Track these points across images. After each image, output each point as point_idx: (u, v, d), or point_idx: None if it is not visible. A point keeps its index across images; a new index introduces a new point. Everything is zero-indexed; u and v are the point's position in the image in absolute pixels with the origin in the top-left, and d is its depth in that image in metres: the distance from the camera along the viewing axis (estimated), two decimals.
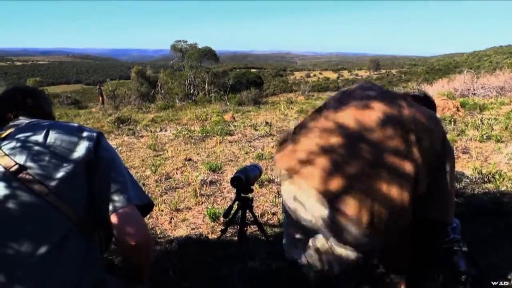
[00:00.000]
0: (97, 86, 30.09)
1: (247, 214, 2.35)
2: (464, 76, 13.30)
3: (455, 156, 4.58)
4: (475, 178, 3.64)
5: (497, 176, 3.59)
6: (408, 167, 1.52)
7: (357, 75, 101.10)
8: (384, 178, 1.49)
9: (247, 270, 2.21)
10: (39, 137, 1.25)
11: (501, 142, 5.19)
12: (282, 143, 1.83)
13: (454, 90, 11.99)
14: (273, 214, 3.24)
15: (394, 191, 1.48)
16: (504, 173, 3.70)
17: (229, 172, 4.37)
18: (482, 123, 6.44)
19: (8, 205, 1.13)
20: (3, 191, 1.14)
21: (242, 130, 7.10)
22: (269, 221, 3.11)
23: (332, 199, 1.51)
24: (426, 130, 1.63)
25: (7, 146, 1.23)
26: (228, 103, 16.18)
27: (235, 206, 2.34)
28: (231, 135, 6.69)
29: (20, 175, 1.16)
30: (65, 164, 1.20)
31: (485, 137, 5.37)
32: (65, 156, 1.22)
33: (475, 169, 3.78)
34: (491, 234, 2.65)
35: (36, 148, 1.21)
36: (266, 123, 7.88)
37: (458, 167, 4.13)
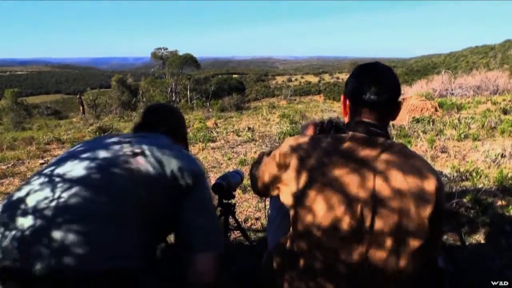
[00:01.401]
0: (77, 96, 29.77)
1: (230, 220, 2.36)
2: (442, 76, 13.59)
3: (435, 156, 4.68)
4: (453, 176, 3.71)
5: (474, 174, 3.67)
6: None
7: (338, 78, 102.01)
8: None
9: (231, 275, 2.22)
10: (163, 145, 1.39)
11: (478, 140, 5.32)
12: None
13: (433, 91, 12.25)
14: (256, 219, 3.24)
15: None
16: (481, 170, 3.79)
17: (212, 178, 4.36)
18: (460, 122, 6.59)
19: (114, 170, 1.25)
20: (118, 161, 1.27)
21: (224, 136, 7.10)
22: (252, 226, 3.11)
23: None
24: None
25: (140, 140, 1.39)
26: (210, 110, 16.19)
27: (218, 213, 2.34)
28: (213, 141, 6.68)
29: (138, 156, 1.29)
30: (165, 175, 1.29)
31: (462, 136, 5.49)
32: (164, 173, 1.29)
33: (453, 168, 3.86)
34: (469, 231, 2.71)
35: (157, 151, 1.33)
36: (249, 128, 7.89)
37: (437, 166, 4.21)
